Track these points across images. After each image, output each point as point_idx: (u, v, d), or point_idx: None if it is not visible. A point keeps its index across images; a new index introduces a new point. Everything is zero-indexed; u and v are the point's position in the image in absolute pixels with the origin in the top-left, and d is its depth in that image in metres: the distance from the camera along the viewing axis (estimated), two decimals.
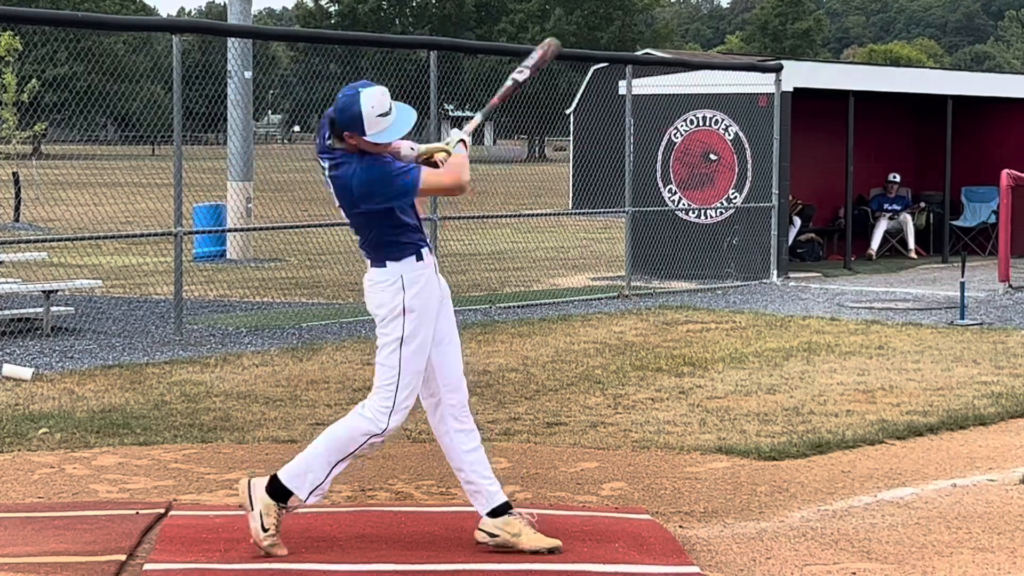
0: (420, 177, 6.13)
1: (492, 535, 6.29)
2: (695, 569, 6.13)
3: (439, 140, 6.94)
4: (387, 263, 6.25)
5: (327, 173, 6.24)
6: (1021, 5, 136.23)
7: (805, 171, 21.52)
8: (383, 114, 6.09)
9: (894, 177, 23.42)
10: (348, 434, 6.30)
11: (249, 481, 6.29)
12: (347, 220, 6.33)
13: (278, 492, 6.23)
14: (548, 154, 65.32)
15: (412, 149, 6.21)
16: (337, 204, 6.29)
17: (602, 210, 23.73)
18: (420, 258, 6.29)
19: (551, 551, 6.25)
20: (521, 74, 6.69)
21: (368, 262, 6.33)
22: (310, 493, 6.25)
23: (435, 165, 6.21)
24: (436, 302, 6.34)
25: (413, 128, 6.22)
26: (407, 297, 6.23)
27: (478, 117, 6.52)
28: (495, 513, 6.32)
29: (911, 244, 23.50)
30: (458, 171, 6.23)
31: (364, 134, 6.09)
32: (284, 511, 6.24)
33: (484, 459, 6.42)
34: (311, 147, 6.42)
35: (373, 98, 6.08)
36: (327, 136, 6.22)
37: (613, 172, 19.97)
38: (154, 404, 9.98)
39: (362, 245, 6.33)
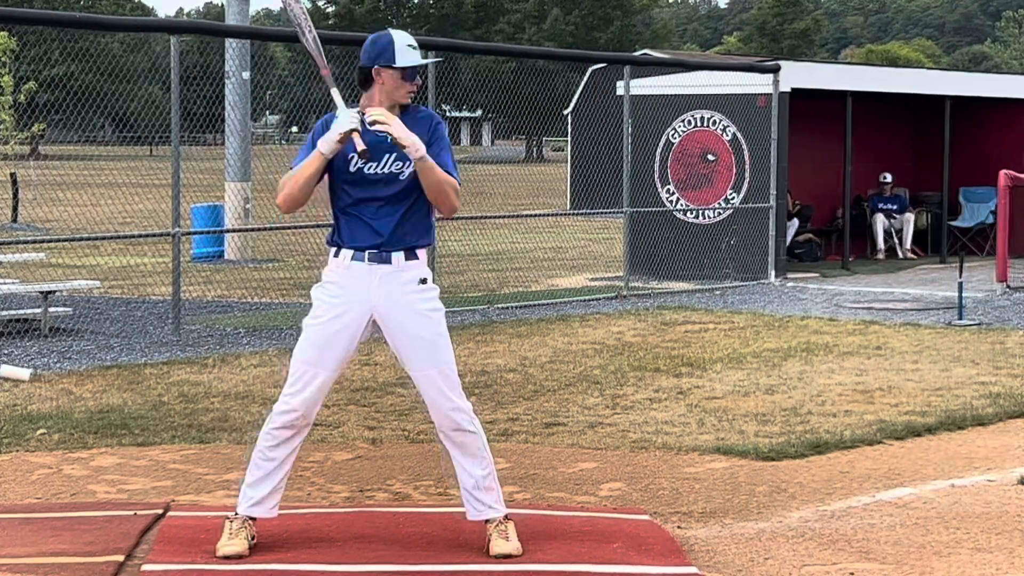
0: None
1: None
2: (693, 570, 6.13)
3: None
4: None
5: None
6: (1019, 6, 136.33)
7: (803, 171, 21.54)
8: (411, 46, 6.14)
9: (885, 177, 23.41)
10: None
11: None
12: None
13: None
14: (546, 154, 65.35)
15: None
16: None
17: (600, 210, 23.74)
18: (336, 255, 6.24)
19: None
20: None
21: None
22: (239, 500, 6.37)
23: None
24: (339, 313, 6.20)
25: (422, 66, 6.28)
26: (315, 285, 6.30)
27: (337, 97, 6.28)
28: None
29: (907, 244, 23.52)
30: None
31: (395, 60, 6.08)
32: (241, 522, 6.30)
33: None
34: None
35: (401, 33, 6.17)
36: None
37: (611, 172, 19.98)
38: (152, 405, 9.98)
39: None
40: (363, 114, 6.07)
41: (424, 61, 6.22)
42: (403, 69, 6.10)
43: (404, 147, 6.02)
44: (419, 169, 6.07)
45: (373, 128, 6.01)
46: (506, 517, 6.33)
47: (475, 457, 6.29)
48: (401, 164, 6.14)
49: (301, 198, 6.17)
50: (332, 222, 6.30)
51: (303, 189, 6.14)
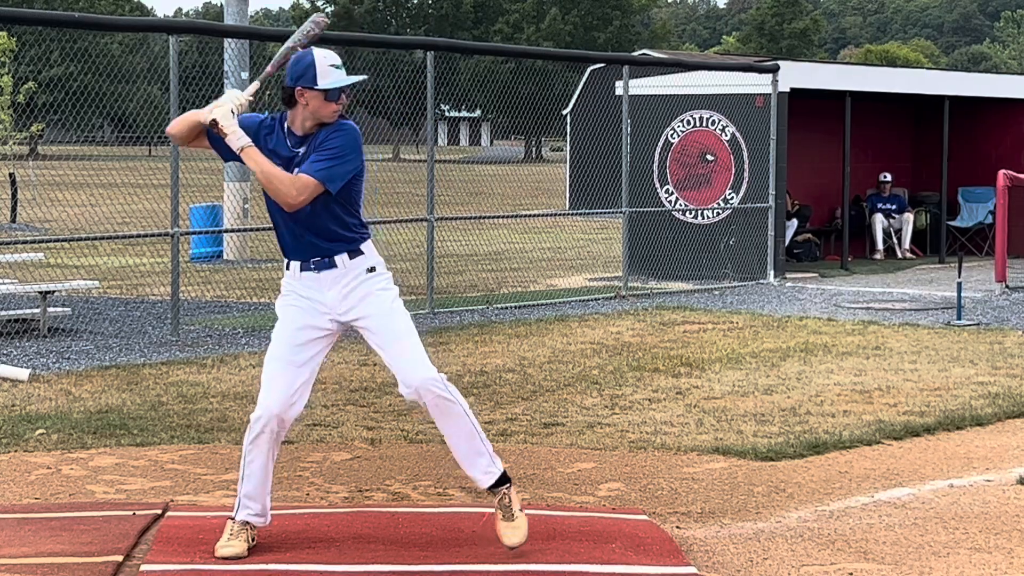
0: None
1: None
2: (692, 570, 6.13)
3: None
4: None
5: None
6: (1017, 6, 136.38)
7: (802, 171, 21.54)
8: (334, 66, 6.13)
9: (885, 176, 23.44)
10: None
11: None
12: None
13: None
14: (545, 154, 65.34)
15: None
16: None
17: (599, 211, 23.75)
18: (288, 267, 6.38)
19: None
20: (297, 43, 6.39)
21: None
22: (236, 508, 6.34)
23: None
24: (301, 314, 6.31)
25: (357, 85, 6.25)
26: (278, 298, 6.46)
27: (253, 85, 6.34)
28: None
29: (906, 244, 23.53)
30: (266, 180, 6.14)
31: (316, 83, 6.08)
32: (242, 524, 6.29)
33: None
34: None
35: (325, 52, 6.17)
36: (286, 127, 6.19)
37: (610, 173, 19.98)
38: (151, 405, 9.98)
39: None
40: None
41: (346, 81, 6.15)
42: (325, 91, 6.11)
43: (225, 136, 6.08)
44: (244, 161, 6.13)
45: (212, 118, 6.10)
46: (505, 481, 6.32)
47: (460, 424, 6.29)
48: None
49: (178, 138, 6.27)
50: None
51: (178, 133, 6.23)
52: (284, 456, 7.82)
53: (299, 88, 6.11)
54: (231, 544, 6.19)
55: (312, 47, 6.18)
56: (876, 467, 8.29)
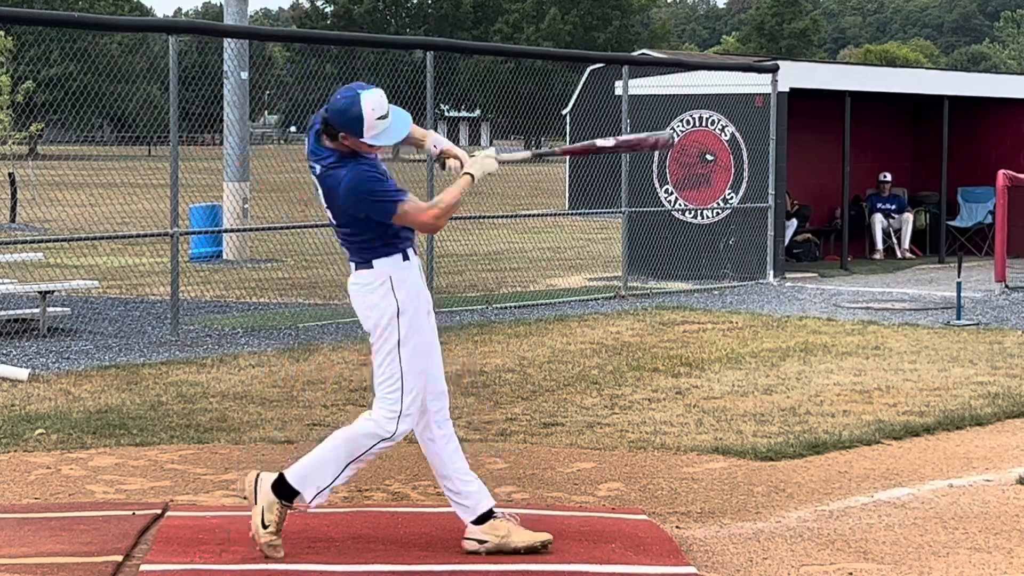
0: (401, 208, 6.10)
1: (481, 541, 6.27)
2: (691, 569, 6.13)
3: None
4: (373, 263, 6.20)
5: (317, 174, 6.22)
6: (1017, 6, 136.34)
7: (801, 171, 21.54)
8: (382, 117, 6.10)
9: (884, 176, 23.44)
10: (357, 439, 6.25)
11: (257, 475, 6.27)
12: (333, 218, 6.27)
13: (284, 491, 6.21)
14: None
15: (435, 146, 6.43)
16: (324, 204, 6.26)
17: (599, 211, 23.74)
18: (406, 257, 6.24)
19: (544, 545, 6.24)
20: (606, 142, 6.67)
21: (352, 264, 6.28)
22: (315, 495, 6.25)
23: (444, 166, 6.41)
24: (425, 302, 6.33)
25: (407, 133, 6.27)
26: (399, 297, 6.20)
27: (524, 153, 6.59)
28: (480, 520, 6.30)
29: (905, 244, 23.53)
30: (441, 213, 6.22)
31: (362, 136, 6.09)
32: (287, 510, 6.23)
33: (464, 465, 6.38)
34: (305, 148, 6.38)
35: (373, 100, 6.08)
36: (318, 135, 6.20)
37: (609, 172, 19.98)
38: (150, 405, 9.97)
39: (346, 244, 6.29)
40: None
41: (391, 141, 6.20)
42: (371, 145, 6.16)
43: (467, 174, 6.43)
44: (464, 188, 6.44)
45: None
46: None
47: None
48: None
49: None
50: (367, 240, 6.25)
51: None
52: (283, 456, 7.83)
53: (343, 134, 6.11)
54: (277, 542, 6.17)
55: (360, 91, 6.10)
56: (876, 467, 8.29)
